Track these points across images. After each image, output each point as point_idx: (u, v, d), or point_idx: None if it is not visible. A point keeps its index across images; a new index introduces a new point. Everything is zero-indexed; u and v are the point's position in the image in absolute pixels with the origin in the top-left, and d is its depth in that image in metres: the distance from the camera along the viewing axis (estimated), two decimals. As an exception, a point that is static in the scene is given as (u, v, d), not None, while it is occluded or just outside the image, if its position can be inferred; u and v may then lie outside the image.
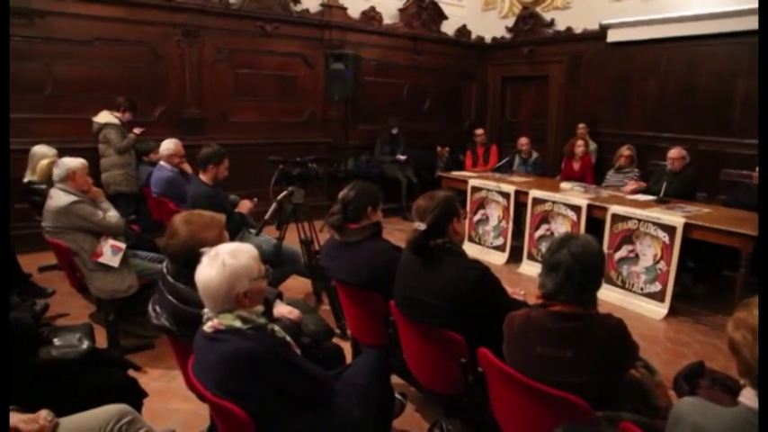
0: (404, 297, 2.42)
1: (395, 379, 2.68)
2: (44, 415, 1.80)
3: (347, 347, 2.98)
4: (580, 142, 6.79)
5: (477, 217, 6.19)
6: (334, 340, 2.73)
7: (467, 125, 9.22)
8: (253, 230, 4.11)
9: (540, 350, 1.84)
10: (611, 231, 4.86)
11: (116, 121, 5.49)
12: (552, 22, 8.16)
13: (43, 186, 4.28)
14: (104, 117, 5.47)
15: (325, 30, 7.55)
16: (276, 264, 3.71)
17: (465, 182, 6.40)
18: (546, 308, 1.88)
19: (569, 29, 7.91)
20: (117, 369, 2.49)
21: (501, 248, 6.00)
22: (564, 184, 5.94)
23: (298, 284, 4.50)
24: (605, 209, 4.94)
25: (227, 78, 6.95)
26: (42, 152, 4.76)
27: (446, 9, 8.75)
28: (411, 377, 2.65)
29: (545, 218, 5.48)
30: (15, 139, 5.50)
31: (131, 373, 2.54)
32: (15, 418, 1.77)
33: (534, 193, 5.60)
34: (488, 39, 9.21)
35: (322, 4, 7.51)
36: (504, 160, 7.18)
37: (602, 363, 1.77)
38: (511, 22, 8.77)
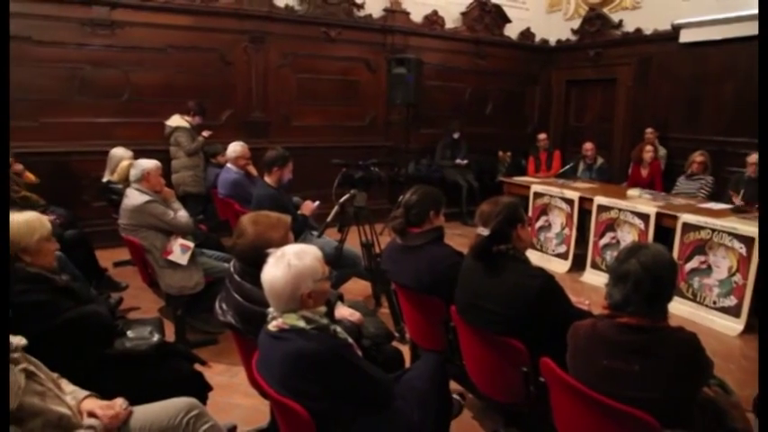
0: (465, 303, 2.40)
1: (453, 385, 2.66)
2: (119, 403, 1.89)
3: (406, 351, 2.98)
4: (649, 147, 6.54)
5: (539, 223, 6.07)
6: (393, 344, 2.74)
7: (529, 130, 9.05)
8: (315, 232, 4.18)
9: (607, 362, 1.78)
10: (681, 241, 4.65)
11: (186, 124, 5.72)
12: (620, 24, 7.91)
13: (120, 186, 4.51)
14: (176, 121, 5.71)
15: (388, 34, 7.61)
16: (337, 266, 3.76)
17: (527, 187, 6.28)
18: (613, 319, 1.81)
19: (639, 30, 7.64)
20: (184, 362, 2.57)
21: (563, 256, 5.85)
22: (631, 191, 5.73)
23: (358, 287, 4.54)
24: (676, 217, 4.73)
25: (291, 83, 7.11)
26: (120, 154, 5.02)
27: (509, 12, 8.64)
28: (470, 384, 2.63)
29: (610, 226, 5.31)
30: (96, 141, 5.90)
31: (197, 367, 2.63)
32: (93, 404, 1.86)
33: (599, 199, 5.43)
34: (553, 41, 9.03)
35: (385, 9, 7.57)
36: (568, 166, 7.01)
37: (673, 378, 1.69)
38: (576, 23, 8.56)
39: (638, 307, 1.76)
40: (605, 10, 8.11)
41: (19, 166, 4.86)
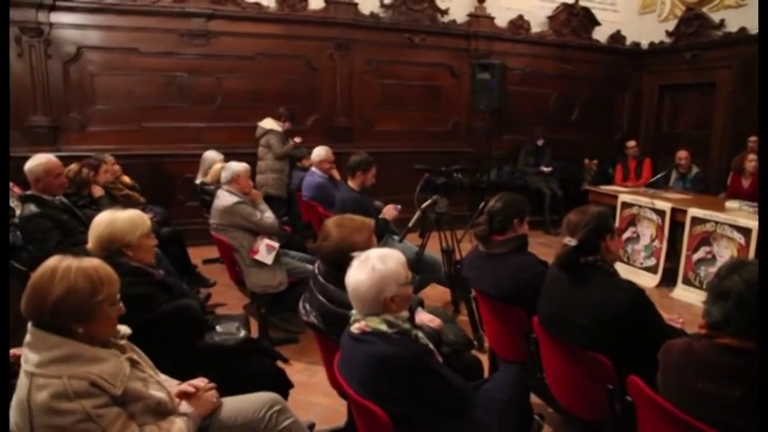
0: (548, 314, 2.34)
1: (533, 398, 2.60)
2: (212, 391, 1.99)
3: (484, 360, 2.94)
4: (752, 156, 6.09)
5: (626, 235, 5.80)
6: (472, 352, 2.71)
7: (618, 137, 8.68)
8: (396, 237, 4.21)
9: (702, 385, 1.67)
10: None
11: (279, 128, 5.92)
12: (722, 24, 7.42)
13: (212, 187, 4.74)
14: (269, 124, 5.93)
15: (472, 40, 7.56)
16: (417, 271, 3.76)
17: (614, 197, 6.03)
18: (711, 339, 1.70)
19: (743, 29, 7.12)
20: (268, 359, 2.65)
21: (652, 270, 5.56)
22: (730, 203, 5.36)
23: (437, 293, 4.52)
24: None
25: (375, 89, 7.22)
26: (212, 157, 5.28)
27: (599, 15, 8.34)
28: (550, 397, 2.56)
29: (706, 239, 4.99)
30: (189, 145, 6.26)
31: (279, 364, 2.70)
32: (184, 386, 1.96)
33: (694, 211, 5.12)
34: (645, 44, 8.61)
35: (469, 15, 7.53)
36: (660, 175, 6.65)
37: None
38: (671, 25, 8.12)
39: (740, 327, 1.63)
40: (705, 9, 7.64)
41: (117, 167, 5.21)
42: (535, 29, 8.03)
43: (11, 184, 4.93)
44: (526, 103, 8.05)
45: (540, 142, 7.72)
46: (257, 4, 6.47)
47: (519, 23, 7.88)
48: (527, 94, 8.06)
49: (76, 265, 1.63)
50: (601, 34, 8.48)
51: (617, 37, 8.58)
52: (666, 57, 8.29)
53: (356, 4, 6.88)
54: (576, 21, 8.23)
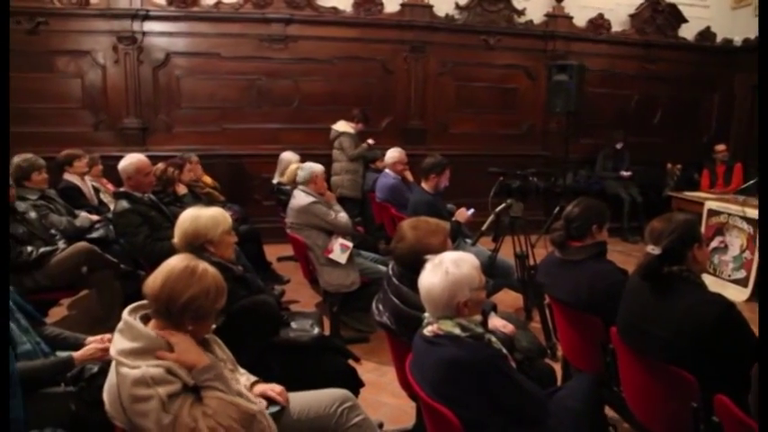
0: (628, 325, 2.25)
1: (607, 411, 2.51)
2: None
3: (557, 369, 2.86)
4: None
5: (713, 244, 5.48)
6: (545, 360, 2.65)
7: (705, 140, 8.20)
8: (468, 240, 4.18)
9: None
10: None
11: (351, 130, 6.03)
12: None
13: (288, 187, 4.88)
14: (342, 126, 6.04)
15: (549, 40, 7.38)
16: (489, 276, 3.72)
17: (700, 204, 5.71)
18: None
19: None
20: (340, 357, 2.69)
21: (742, 283, 5.22)
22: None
23: (508, 298, 4.45)
24: None
25: (449, 91, 7.20)
26: (289, 158, 5.45)
27: (686, 11, 7.89)
28: (627, 412, 2.45)
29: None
30: (267, 146, 6.49)
31: (350, 362, 2.74)
32: (265, 386, 2.03)
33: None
34: (738, 41, 8.08)
35: (546, 15, 7.35)
36: (752, 181, 6.24)
37: None
38: (769, 20, 7.60)
39: None
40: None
41: (199, 167, 5.46)
42: (616, 28, 7.73)
43: (105, 180, 5.30)
44: (605, 104, 7.76)
45: (619, 146, 7.42)
46: (334, 8, 6.62)
47: (599, 22, 7.61)
48: (606, 95, 7.77)
49: (211, 271, 1.75)
50: (688, 32, 8.04)
51: (706, 34, 8.10)
52: (762, 54, 7.75)
53: (431, 7, 6.88)
54: (661, 18, 7.84)
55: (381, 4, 6.75)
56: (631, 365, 2.29)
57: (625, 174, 7.35)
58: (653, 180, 7.65)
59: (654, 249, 2.13)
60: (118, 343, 1.67)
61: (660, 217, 2.26)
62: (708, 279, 5.32)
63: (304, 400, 2.07)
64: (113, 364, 1.67)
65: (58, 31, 6.06)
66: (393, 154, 5.24)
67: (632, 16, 7.78)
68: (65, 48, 6.15)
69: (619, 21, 7.74)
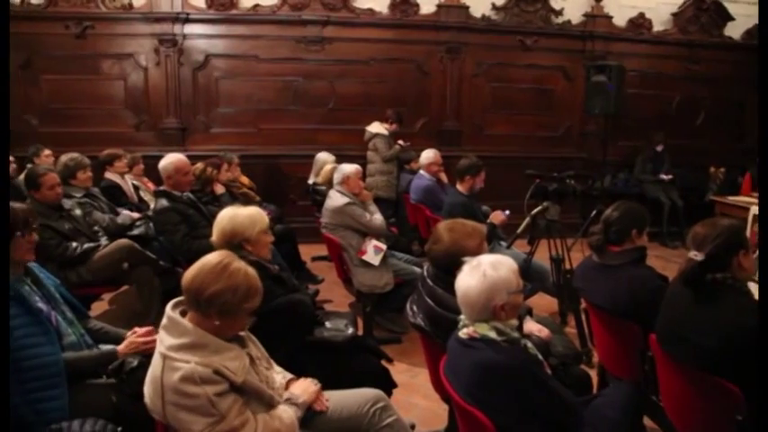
0: (668, 332, 2.19)
1: (645, 421, 2.46)
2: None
3: (593, 375, 2.81)
4: None
5: (758, 251, 5.30)
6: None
7: (750, 143, 7.93)
8: (503, 243, 4.15)
9: None
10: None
11: (385, 131, 6.04)
12: None
13: (324, 187, 4.92)
14: (376, 127, 6.07)
15: (588, 41, 7.25)
16: (524, 279, 3.68)
17: (745, 209, 5.53)
18: None
19: None
20: (373, 357, 2.70)
21: (789, 290, 5.04)
22: None
23: (543, 302, 4.38)
24: None
25: (484, 92, 7.15)
26: (324, 158, 5.50)
27: (732, 8, 7.63)
28: (666, 423, 2.39)
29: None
30: (302, 146, 6.56)
31: (383, 363, 2.75)
32: (301, 386, 2.04)
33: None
34: (788, 39, 7.80)
35: (585, 15, 7.23)
36: (801, 186, 6.02)
37: None
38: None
39: None
40: None
41: (237, 168, 5.55)
42: (657, 27, 7.53)
43: (145, 179, 5.44)
44: (645, 106, 7.57)
45: (659, 148, 7.23)
46: (370, 9, 6.65)
47: (639, 22, 7.44)
48: (646, 96, 7.59)
49: (245, 270, 1.78)
50: (734, 30, 7.78)
51: (753, 32, 7.83)
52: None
53: (467, 7, 6.84)
54: (706, 17, 7.62)
55: (417, 6, 6.75)
56: (672, 374, 2.24)
57: (665, 177, 7.17)
58: (694, 183, 7.44)
59: (696, 255, 2.07)
60: (165, 339, 1.72)
61: (704, 222, 2.20)
62: (752, 287, 5.17)
63: (337, 400, 2.08)
64: (157, 358, 1.72)
65: (104, 35, 6.27)
66: (428, 155, 5.23)
67: (675, 15, 7.57)
68: (109, 51, 6.35)
69: (660, 20, 7.55)
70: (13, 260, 2.11)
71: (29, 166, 4.56)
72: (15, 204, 2.25)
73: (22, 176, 4.27)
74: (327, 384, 2.12)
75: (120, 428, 1.87)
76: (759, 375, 1.05)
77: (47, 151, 5.30)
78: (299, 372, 2.16)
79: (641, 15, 7.43)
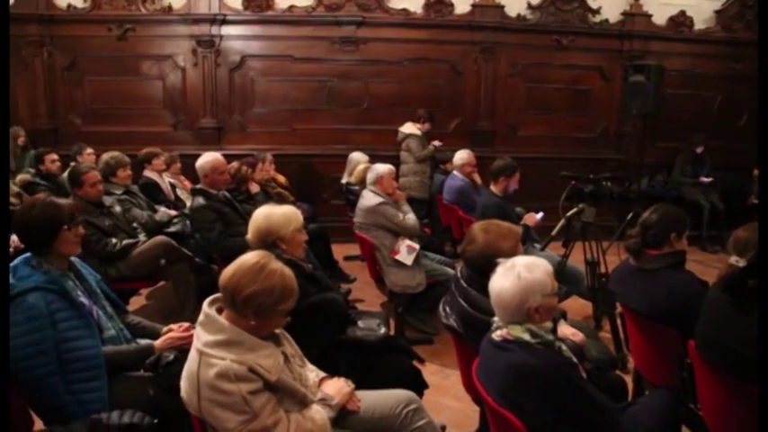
0: (707, 340, 2.13)
1: (683, 431, 2.40)
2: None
3: (628, 381, 2.76)
4: None
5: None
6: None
7: (796, 145, 7.67)
8: (537, 245, 4.10)
9: None
10: None
11: (418, 132, 6.04)
12: None
13: (357, 187, 4.94)
14: (408, 128, 6.07)
15: (626, 40, 7.10)
16: (558, 282, 3.63)
17: (790, 213, 5.33)
18: None
19: None
20: (405, 357, 2.70)
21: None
22: None
23: (577, 306, 4.31)
24: None
25: (519, 92, 7.08)
26: (357, 158, 5.52)
27: (780, 5, 7.41)
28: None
29: None
30: (336, 146, 6.61)
31: (415, 363, 2.74)
32: (334, 386, 2.05)
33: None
34: (839, 39, 7.51)
35: (623, 13, 7.09)
36: None
37: None
38: None
39: None
40: None
41: (272, 167, 5.62)
42: (699, 25, 7.34)
43: (182, 178, 5.56)
44: (685, 106, 7.37)
45: (699, 150, 7.03)
46: (404, 10, 6.64)
47: (680, 20, 7.25)
48: (686, 97, 7.39)
49: (281, 272, 1.79)
50: (783, 27, 7.54)
51: (801, 31, 7.58)
52: None
53: (502, 7, 6.78)
54: (751, 13, 7.36)
55: (452, 5, 6.72)
56: (711, 383, 2.18)
57: (705, 179, 6.97)
58: (736, 186, 7.20)
59: (738, 261, 2.02)
60: (202, 336, 1.75)
61: (746, 226, 2.13)
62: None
63: (370, 400, 2.09)
64: (193, 354, 1.75)
65: (144, 37, 6.43)
66: (462, 156, 5.22)
67: (718, 12, 7.36)
68: (149, 52, 6.52)
69: (702, 18, 7.35)
70: (60, 254, 2.19)
71: (72, 164, 4.73)
72: (61, 200, 2.33)
73: (65, 174, 4.41)
74: (359, 383, 2.12)
75: (156, 420, 1.92)
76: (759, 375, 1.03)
77: (89, 150, 5.48)
78: (330, 371, 2.17)
79: (682, 13, 7.24)
